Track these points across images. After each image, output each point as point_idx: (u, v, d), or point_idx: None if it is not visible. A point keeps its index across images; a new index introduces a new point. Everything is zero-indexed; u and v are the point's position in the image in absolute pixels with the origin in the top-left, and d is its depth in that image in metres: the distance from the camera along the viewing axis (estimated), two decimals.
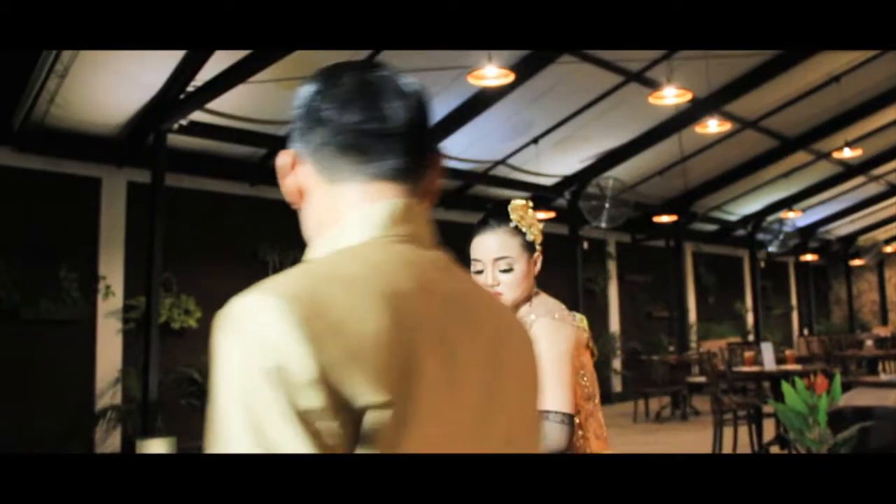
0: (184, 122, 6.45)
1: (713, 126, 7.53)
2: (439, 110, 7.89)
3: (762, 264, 14.56)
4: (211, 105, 6.68)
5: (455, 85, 7.36)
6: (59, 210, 6.92)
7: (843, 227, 15.44)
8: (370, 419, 0.64)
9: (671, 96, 6.52)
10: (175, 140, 6.86)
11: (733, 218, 13.56)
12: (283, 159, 0.86)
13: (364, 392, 0.64)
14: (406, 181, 0.84)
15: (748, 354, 6.60)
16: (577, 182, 10.25)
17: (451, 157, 9.13)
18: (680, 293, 12.70)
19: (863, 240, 16.00)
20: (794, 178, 11.90)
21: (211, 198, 7.93)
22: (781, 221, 13.05)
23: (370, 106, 0.83)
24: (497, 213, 1.95)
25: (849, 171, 12.01)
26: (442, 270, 0.82)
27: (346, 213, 0.81)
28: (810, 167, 11.65)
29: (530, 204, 1.96)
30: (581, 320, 1.98)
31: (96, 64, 5.89)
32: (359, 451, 0.64)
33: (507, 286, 1.92)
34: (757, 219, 13.42)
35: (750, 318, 14.95)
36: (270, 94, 6.62)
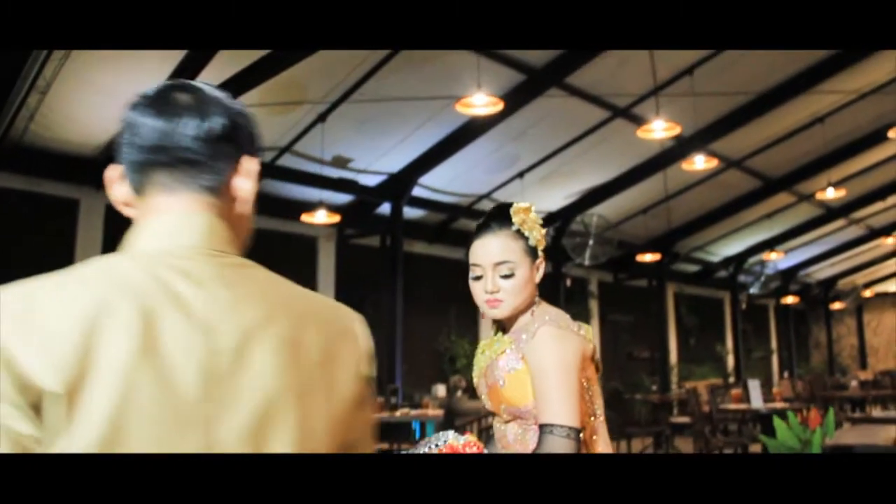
0: None
1: (700, 163, 7.54)
2: (425, 141, 7.86)
3: (743, 306, 14.57)
4: None
5: (442, 115, 7.33)
6: (34, 231, 6.75)
7: (823, 271, 15.53)
8: (46, 405, 0.70)
9: (660, 129, 6.51)
10: None
11: (715, 259, 13.59)
12: (108, 173, 0.91)
13: (40, 378, 0.70)
14: (176, 194, 0.88)
15: (735, 392, 6.51)
16: (560, 219, 10.21)
17: (434, 190, 9.08)
18: (662, 334, 12.64)
19: (842, 284, 16.10)
20: (776, 220, 11.96)
21: None
22: (763, 263, 13.10)
23: (137, 124, 0.88)
24: (499, 216, 1.84)
25: (830, 213, 12.10)
26: (194, 278, 0.83)
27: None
28: (792, 209, 11.73)
29: (533, 208, 1.87)
30: (587, 331, 1.86)
31: (78, 80, 5.78)
32: (44, 439, 0.70)
33: (509, 293, 1.81)
34: (739, 260, 13.46)
35: (731, 361, 14.92)
36: (259, 120, 6.52)
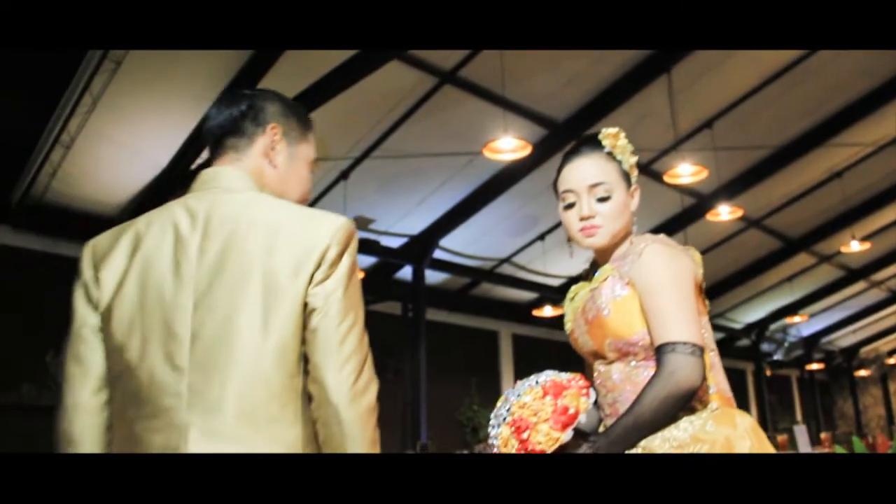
0: None
1: (724, 213, 7.44)
2: (447, 200, 7.80)
3: (768, 373, 14.20)
4: None
5: (464, 172, 7.30)
6: (52, 292, 6.59)
7: (845, 338, 15.23)
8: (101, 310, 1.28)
9: (687, 174, 6.43)
10: None
11: (737, 326, 13.33)
12: None
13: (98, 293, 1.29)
14: (218, 156, 1.39)
15: (781, 438, 6.20)
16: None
17: (455, 253, 8.96)
18: None
19: (865, 351, 15.75)
20: (796, 284, 11.79)
21: None
22: (785, 330, 12.84)
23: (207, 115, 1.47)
24: (588, 141, 1.72)
25: (851, 275, 11.94)
26: (190, 209, 1.29)
27: None
28: (813, 271, 11.57)
29: (622, 133, 1.74)
30: (696, 255, 1.70)
31: (103, 137, 5.75)
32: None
33: (606, 217, 1.65)
34: (761, 326, 13.20)
35: None
36: None
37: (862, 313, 13.76)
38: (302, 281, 1.21)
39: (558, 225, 8.80)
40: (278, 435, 1.20)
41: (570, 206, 1.68)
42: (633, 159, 1.73)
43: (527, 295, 10.30)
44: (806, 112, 7.74)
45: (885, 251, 11.19)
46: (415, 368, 8.23)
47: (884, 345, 15.68)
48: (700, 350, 1.51)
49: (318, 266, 1.22)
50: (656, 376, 1.50)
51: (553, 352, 12.17)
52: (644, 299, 1.57)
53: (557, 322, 9.10)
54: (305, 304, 1.21)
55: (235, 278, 1.21)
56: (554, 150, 7.07)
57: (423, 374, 8.17)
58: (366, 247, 7.92)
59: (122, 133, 5.80)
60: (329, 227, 1.26)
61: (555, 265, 9.56)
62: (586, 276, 1.82)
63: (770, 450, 1.55)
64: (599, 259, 1.75)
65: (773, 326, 13.02)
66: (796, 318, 12.38)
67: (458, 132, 6.74)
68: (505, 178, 7.42)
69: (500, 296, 10.34)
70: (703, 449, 1.48)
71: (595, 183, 1.66)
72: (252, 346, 1.18)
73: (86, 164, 6.00)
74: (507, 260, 9.36)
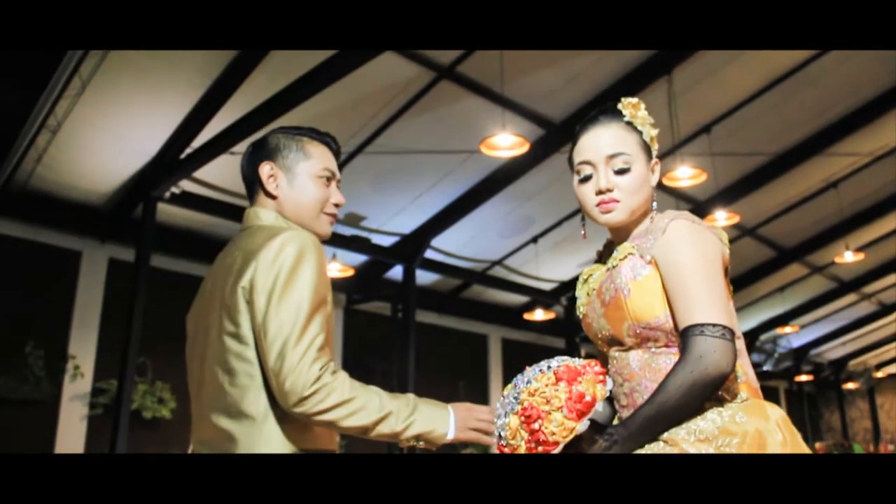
0: (176, 189, 6.10)
1: (721, 219, 7.35)
2: (441, 199, 7.67)
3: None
4: (205, 177, 6.38)
5: (460, 170, 7.18)
6: (32, 282, 6.42)
7: (834, 350, 15.20)
8: None
9: (686, 178, 6.33)
10: (164, 216, 6.49)
11: None
12: None
13: None
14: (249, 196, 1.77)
15: None
16: (573, 288, 9.93)
17: (447, 254, 8.84)
18: None
19: (853, 364, 15.74)
20: (788, 294, 11.73)
21: (198, 282, 7.45)
22: (776, 341, 12.78)
23: None
24: (607, 110, 1.61)
25: (842, 287, 11.90)
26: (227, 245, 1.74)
27: None
28: (804, 282, 11.52)
29: (643, 104, 1.62)
30: (723, 235, 1.58)
31: (91, 123, 5.60)
32: None
33: (625, 191, 1.53)
34: (751, 337, 13.14)
35: None
36: None
37: (851, 326, 13.72)
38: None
39: (552, 227, 8.70)
40: None
41: (587, 179, 1.56)
42: (654, 131, 1.61)
43: (518, 298, 10.18)
44: (805, 120, 7.67)
45: (878, 263, 11.16)
46: (403, 371, 8.09)
47: (872, 358, 15.67)
48: (731, 333, 1.39)
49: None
50: (682, 361, 1.37)
51: (543, 357, 12.10)
52: (668, 279, 1.45)
53: (548, 326, 9.01)
54: None
55: None
56: (551, 151, 6.96)
57: (412, 377, 8.03)
58: (356, 244, 7.79)
59: (111, 119, 5.65)
60: None
61: (547, 269, 9.45)
62: (600, 257, 1.70)
63: (802, 445, 1.42)
64: (616, 238, 1.62)
65: (763, 337, 12.97)
66: (787, 329, 12.33)
67: (455, 129, 6.62)
68: (501, 178, 7.30)
69: (490, 298, 10.22)
70: (733, 442, 1.36)
71: (614, 154, 1.54)
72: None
73: (72, 150, 5.84)
74: (499, 262, 9.24)
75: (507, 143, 5.53)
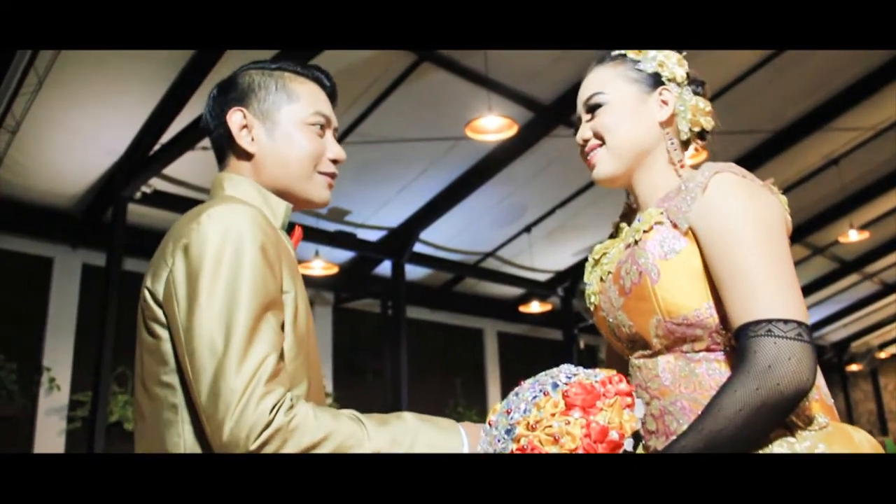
0: (147, 189, 5.80)
1: None
2: (428, 189, 7.39)
3: None
4: (178, 174, 6.07)
5: (447, 158, 6.89)
6: (1, 291, 6.12)
7: (836, 332, 14.98)
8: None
9: (687, 156, 6.03)
10: (136, 217, 6.19)
11: None
12: None
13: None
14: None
15: None
16: (569, 278, 9.66)
17: (436, 247, 8.55)
18: None
19: (856, 346, 15.51)
20: None
21: None
22: None
23: None
24: (605, 54, 1.29)
25: (844, 267, 11.66)
26: None
27: None
28: (806, 264, 11.27)
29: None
30: (780, 193, 1.18)
31: (52, 121, 5.29)
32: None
33: (602, 129, 1.20)
34: None
35: None
36: None
37: (853, 307, 13.51)
38: None
39: (546, 216, 8.42)
40: None
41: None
42: (662, 56, 1.24)
43: (513, 290, 9.90)
44: (804, 95, 7.41)
45: (882, 241, 10.91)
46: (395, 369, 7.80)
47: (875, 338, 15.44)
48: (809, 332, 1.01)
49: None
50: (742, 374, 0.98)
51: (541, 350, 11.84)
52: (714, 256, 1.06)
53: (545, 319, 8.66)
54: None
55: None
56: (541, 134, 6.68)
57: (405, 376, 7.74)
58: (340, 240, 7.49)
59: (74, 116, 5.34)
60: None
61: (542, 259, 9.17)
62: (616, 232, 1.32)
63: None
64: (637, 203, 1.24)
65: None
66: None
67: (439, 114, 6.32)
68: (490, 165, 7.02)
69: (484, 291, 9.93)
70: None
71: (588, 96, 1.23)
72: None
73: (35, 151, 5.52)
74: (491, 254, 8.95)
75: (494, 125, 5.24)
